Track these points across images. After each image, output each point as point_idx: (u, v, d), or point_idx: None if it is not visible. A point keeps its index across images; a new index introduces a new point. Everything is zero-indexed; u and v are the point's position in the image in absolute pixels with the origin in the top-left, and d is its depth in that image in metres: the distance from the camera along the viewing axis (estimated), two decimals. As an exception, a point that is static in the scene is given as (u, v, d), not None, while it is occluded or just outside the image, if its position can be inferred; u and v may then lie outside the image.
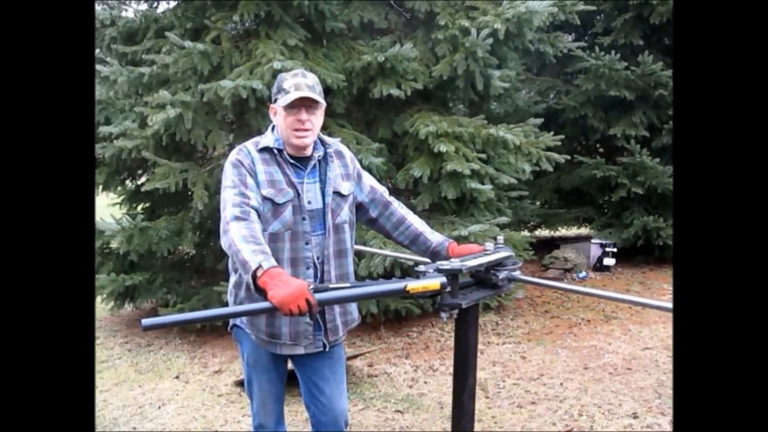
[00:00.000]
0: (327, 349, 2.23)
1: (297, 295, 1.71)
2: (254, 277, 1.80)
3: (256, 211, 2.02)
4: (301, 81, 2.08)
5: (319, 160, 2.19)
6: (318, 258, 2.14)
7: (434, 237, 2.27)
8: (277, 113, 2.13)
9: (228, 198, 2.03)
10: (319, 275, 2.14)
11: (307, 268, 2.12)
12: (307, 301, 1.73)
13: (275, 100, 2.13)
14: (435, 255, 2.24)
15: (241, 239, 1.88)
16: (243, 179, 2.06)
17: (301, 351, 2.20)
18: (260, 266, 1.79)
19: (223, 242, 1.96)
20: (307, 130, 2.09)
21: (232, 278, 2.22)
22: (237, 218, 1.95)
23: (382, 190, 2.34)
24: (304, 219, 2.11)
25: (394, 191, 5.27)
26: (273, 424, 2.35)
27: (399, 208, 2.33)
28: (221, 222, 2.00)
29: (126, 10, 5.82)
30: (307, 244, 2.11)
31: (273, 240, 2.07)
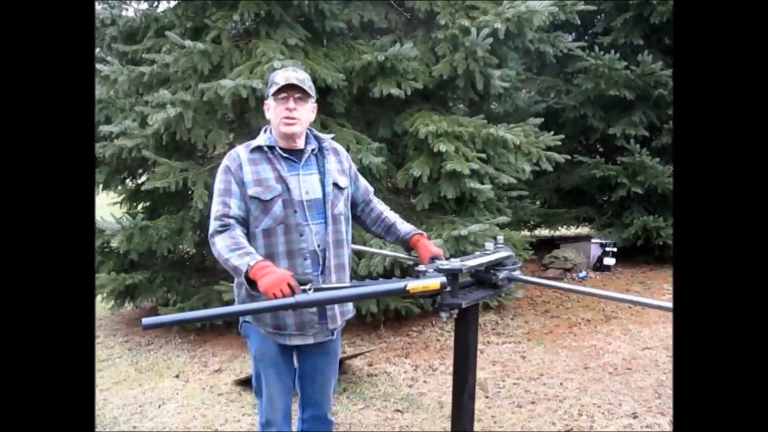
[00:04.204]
0: (334, 336, 2.32)
1: (279, 280, 1.89)
2: (247, 277, 1.96)
3: (236, 218, 2.15)
4: (291, 74, 2.19)
5: (315, 154, 2.27)
6: (319, 245, 2.20)
7: (403, 227, 2.43)
8: (270, 107, 2.22)
9: (213, 209, 2.19)
10: (319, 264, 2.19)
11: (305, 259, 2.17)
12: (289, 285, 1.88)
13: (267, 95, 2.23)
14: (404, 243, 2.41)
15: (227, 249, 2.07)
16: (228, 186, 2.18)
17: (310, 341, 2.26)
18: (249, 266, 1.96)
19: (214, 254, 2.14)
20: (294, 118, 2.18)
21: (236, 278, 2.27)
22: (218, 232, 2.13)
23: (371, 190, 2.51)
24: (295, 211, 2.16)
25: (394, 191, 5.29)
26: (280, 421, 2.34)
27: (378, 204, 2.50)
28: (208, 234, 2.17)
29: (126, 10, 5.80)
30: (301, 235, 2.17)
31: (266, 236, 2.16)
